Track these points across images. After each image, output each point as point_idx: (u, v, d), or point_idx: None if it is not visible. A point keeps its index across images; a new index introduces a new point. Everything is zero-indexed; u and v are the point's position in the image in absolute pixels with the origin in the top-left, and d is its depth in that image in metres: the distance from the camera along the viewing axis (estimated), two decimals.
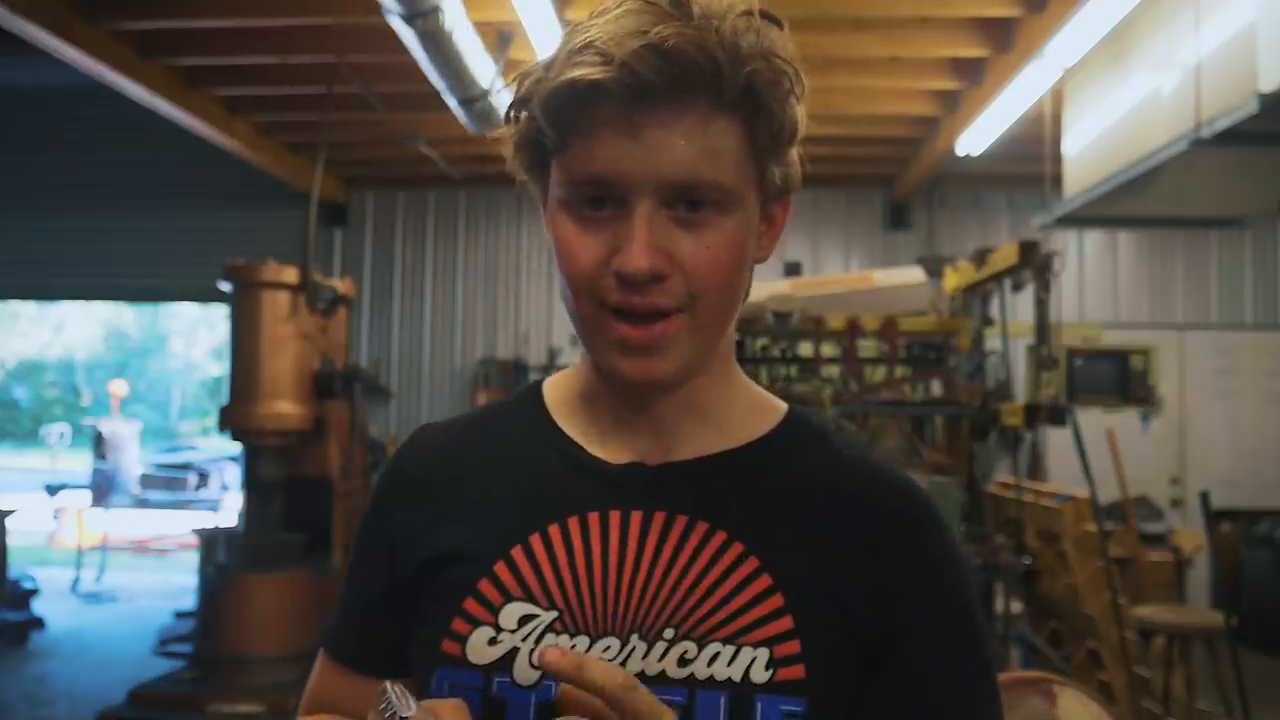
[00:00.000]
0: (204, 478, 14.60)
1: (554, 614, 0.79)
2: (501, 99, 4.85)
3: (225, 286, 4.94)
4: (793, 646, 0.77)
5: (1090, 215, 5.57)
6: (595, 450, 0.86)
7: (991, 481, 4.53)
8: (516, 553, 0.81)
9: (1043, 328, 3.93)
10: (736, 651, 0.76)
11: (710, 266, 0.76)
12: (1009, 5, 4.79)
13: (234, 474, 13.30)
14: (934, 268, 5.39)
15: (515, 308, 8.16)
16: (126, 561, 10.26)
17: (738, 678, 0.76)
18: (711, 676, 0.76)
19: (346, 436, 5.20)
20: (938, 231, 7.93)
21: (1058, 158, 5.66)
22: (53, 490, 10.56)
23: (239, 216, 8.01)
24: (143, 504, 13.23)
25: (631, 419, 0.85)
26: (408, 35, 4.21)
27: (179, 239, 8.10)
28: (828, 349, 4.57)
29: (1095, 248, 7.89)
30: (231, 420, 4.81)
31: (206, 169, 7.66)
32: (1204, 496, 4.11)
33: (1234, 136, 3.75)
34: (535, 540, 0.82)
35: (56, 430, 14.54)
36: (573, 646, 0.78)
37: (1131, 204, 5.24)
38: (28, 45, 4.78)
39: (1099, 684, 3.65)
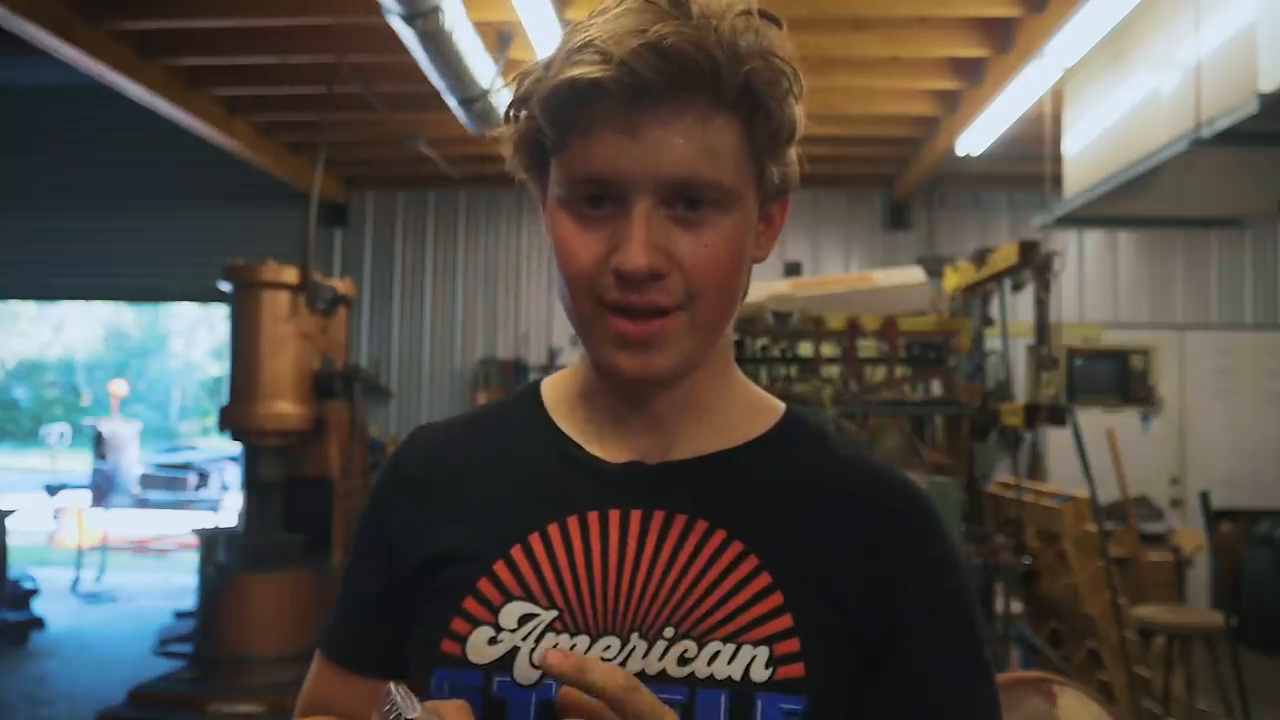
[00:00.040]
0: (204, 478, 14.61)
1: (554, 613, 0.79)
2: (501, 99, 4.85)
3: (225, 286, 4.93)
4: (792, 645, 0.77)
5: (1090, 215, 5.57)
6: (594, 449, 0.86)
7: (991, 481, 4.53)
8: (516, 552, 0.81)
9: (1043, 328, 3.93)
10: (736, 650, 0.76)
11: (709, 265, 0.76)
12: (1009, 5, 4.79)
13: (234, 474, 13.30)
14: (934, 268, 5.39)
15: (515, 308, 8.16)
16: (126, 561, 10.26)
17: (738, 676, 0.76)
18: (712, 675, 0.76)
19: (346, 436, 5.19)
20: (938, 231, 7.94)
21: (1058, 158, 5.66)
22: (53, 490, 10.56)
23: (239, 216, 8.01)
24: (143, 504, 13.24)
25: (630, 417, 0.85)
26: (408, 35, 4.21)
27: (179, 239, 8.11)
28: (828, 349, 4.57)
29: (1095, 248, 7.89)
30: (231, 420, 4.81)
31: (206, 169, 7.66)
32: (1204, 496, 4.11)
33: (1234, 136, 3.75)
34: (535, 540, 0.82)
35: (56, 430, 14.54)
36: (573, 646, 0.78)
37: (1131, 204, 5.24)
38: (28, 45, 4.78)
39: (1099, 684, 3.65)
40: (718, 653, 0.76)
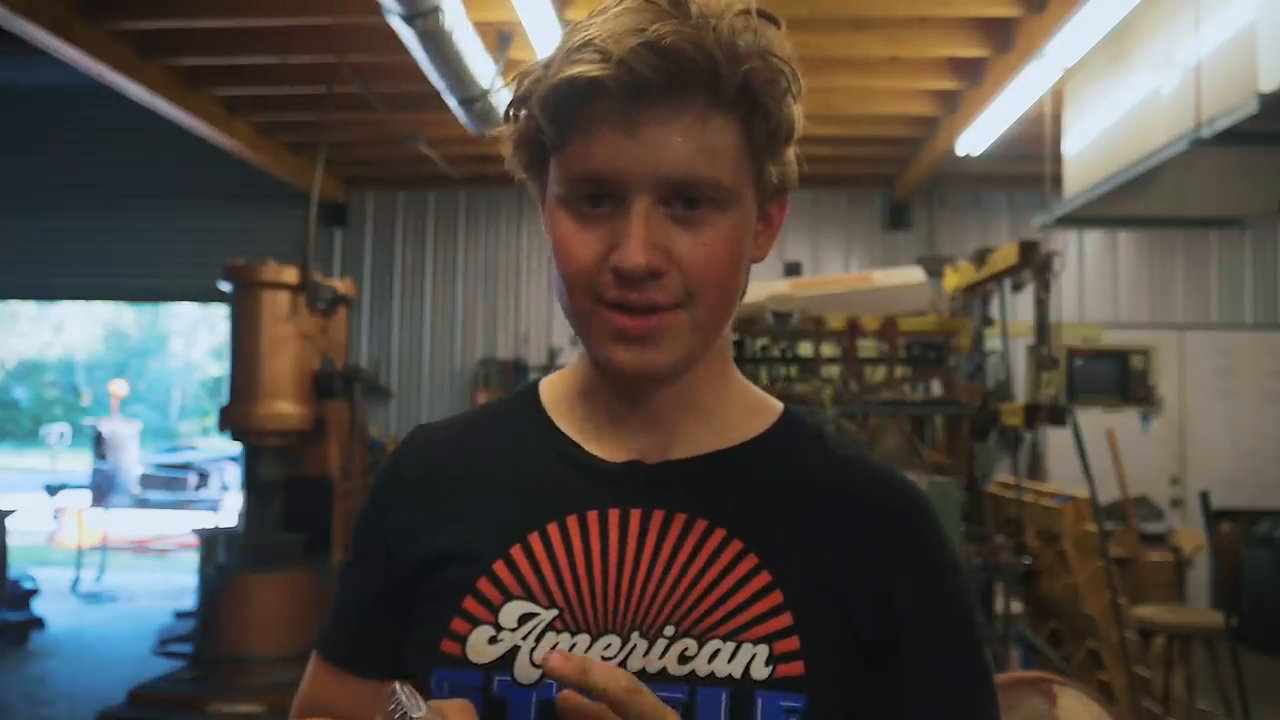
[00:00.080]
0: (204, 478, 14.61)
1: (554, 612, 0.79)
2: (501, 99, 4.85)
3: (225, 286, 4.94)
4: (792, 643, 0.77)
5: (1090, 215, 5.57)
6: (592, 448, 0.86)
7: (991, 481, 4.53)
8: (516, 552, 0.81)
9: (1043, 328, 3.93)
10: (736, 648, 0.77)
11: (708, 264, 0.77)
12: (1009, 5, 4.79)
13: (234, 474, 13.30)
14: (934, 268, 5.39)
15: (515, 308, 8.16)
16: (126, 561, 10.26)
17: (738, 674, 0.76)
18: (712, 673, 0.76)
19: (346, 436, 5.20)
20: (938, 231, 7.94)
21: (1058, 158, 5.66)
22: (53, 490, 10.56)
23: (239, 216, 8.01)
24: (143, 504, 13.23)
25: (628, 415, 0.85)
26: (408, 35, 4.21)
27: (179, 239, 8.11)
28: (828, 349, 4.57)
29: (1095, 248, 7.89)
30: (231, 420, 4.81)
31: (206, 169, 7.66)
32: (1204, 496, 4.11)
33: (1234, 136, 3.75)
34: (534, 539, 0.82)
35: (56, 430, 14.54)
36: (573, 645, 0.78)
37: (1131, 204, 5.24)
38: (28, 45, 4.78)
39: (1099, 684, 3.65)
40: (718, 651, 0.77)
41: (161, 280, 8.35)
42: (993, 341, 4.86)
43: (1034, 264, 3.90)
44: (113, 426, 12.81)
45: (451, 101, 4.99)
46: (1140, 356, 7.47)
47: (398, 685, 0.69)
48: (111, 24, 5.07)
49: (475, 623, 0.80)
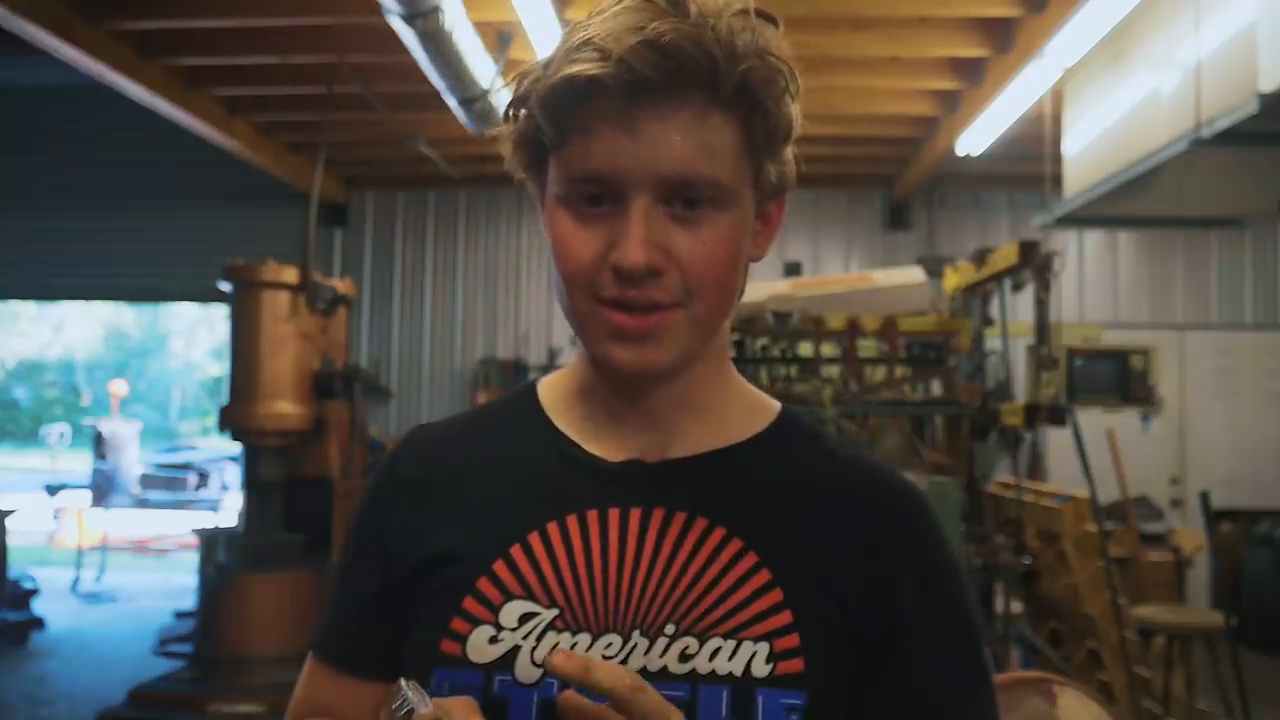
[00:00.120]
0: (204, 478, 14.61)
1: (554, 612, 0.79)
2: (501, 99, 4.85)
3: (225, 286, 4.94)
4: (792, 640, 0.77)
5: (1090, 215, 5.57)
6: (591, 448, 0.86)
7: (991, 481, 4.53)
8: (516, 551, 0.81)
9: (1043, 328, 3.93)
10: (737, 646, 0.77)
11: (707, 263, 0.77)
12: (1009, 5, 4.79)
13: (234, 474, 13.30)
14: (934, 268, 5.39)
15: (515, 308, 8.16)
16: (126, 561, 10.27)
17: (739, 672, 0.76)
18: (713, 671, 0.76)
19: (346, 436, 5.20)
20: (938, 231, 7.94)
21: (1058, 158, 5.66)
22: (53, 490, 10.57)
23: (239, 216, 8.01)
24: (143, 504, 13.24)
25: (627, 414, 0.85)
26: (408, 35, 4.21)
27: (179, 239, 8.11)
28: (828, 349, 4.57)
29: (1095, 248, 7.89)
30: (231, 420, 4.81)
31: (206, 169, 7.66)
32: (1204, 496, 4.11)
33: (1234, 136, 3.75)
34: (534, 539, 0.82)
35: (56, 430, 14.55)
36: (574, 644, 0.78)
37: (1131, 204, 5.24)
38: (28, 45, 4.78)
39: (1099, 684, 3.65)
40: (718, 649, 0.77)
41: (161, 280, 8.36)
42: (993, 341, 4.86)
43: (1034, 264, 3.90)
44: (113, 426, 12.82)
45: (451, 101, 4.99)
46: (1140, 356, 7.47)
47: (403, 681, 0.69)
48: (111, 24, 5.07)
49: (475, 622, 0.80)
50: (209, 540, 5.80)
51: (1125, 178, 4.65)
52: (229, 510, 11.40)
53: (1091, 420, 6.00)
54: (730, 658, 0.76)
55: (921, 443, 4.40)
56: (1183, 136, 4.02)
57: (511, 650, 0.78)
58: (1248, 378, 7.47)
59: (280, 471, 4.89)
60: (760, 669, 0.76)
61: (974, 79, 5.63)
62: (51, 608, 7.41)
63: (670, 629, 0.78)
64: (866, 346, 4.62)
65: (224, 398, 4.95)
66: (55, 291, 9.34)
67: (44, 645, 6.74)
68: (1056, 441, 5.71)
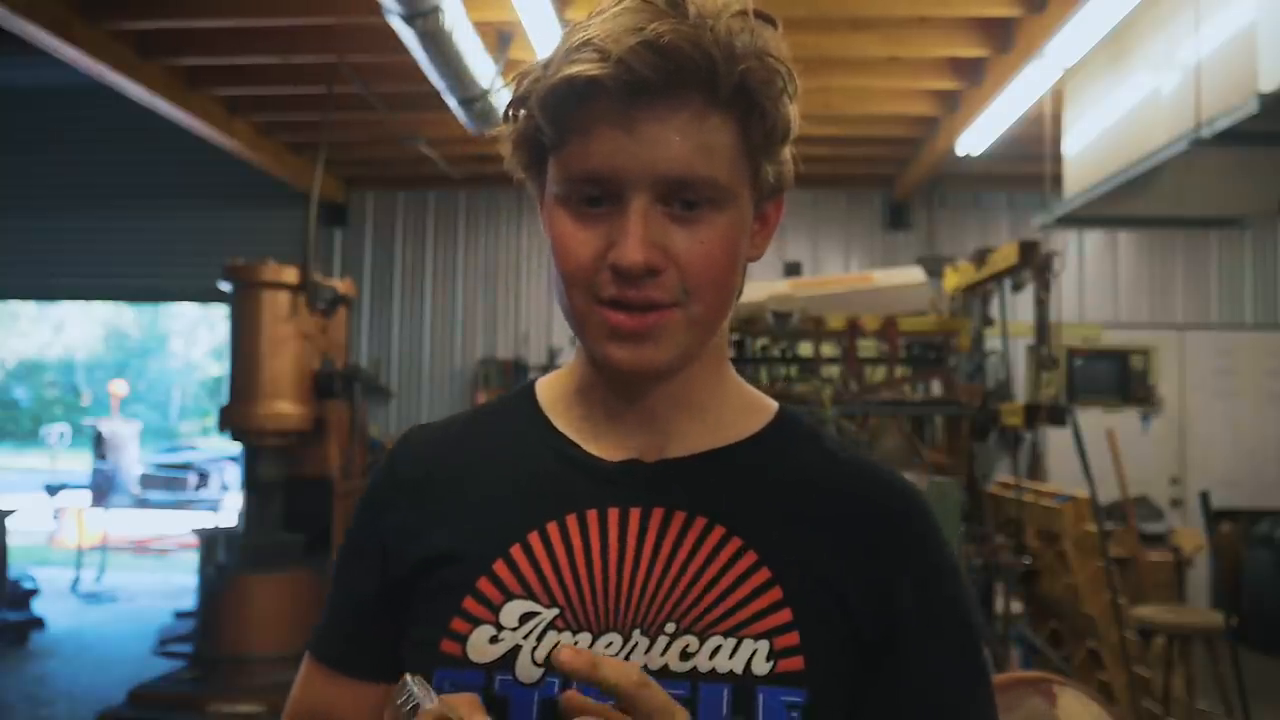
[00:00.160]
0: (204, 478, 14.60)
1: (555, 611, 0.79)
2: (501, 99, 4.85)
3: (225, 286, 4.94)
4: (792, 638, 0.78)
5: (1090, 215, 5.57)
6: (590, 447, 0.86)
7: (991, 481, 4.53)
8: (515, 551, 0.82)
9: (1043, 328, 3.93)
10: (737, 644, 0.77)
11: (705, 262, 0.77)
12: (1009, 5, 4.79)
13: (234, 474, 13.30)
14: (934, 268, 5.40)
15: (515, 308, 8.16)
16: (126, 561, 10.27)
17: (739, 670, 0.77)
18: (713, 669, 0.77)
19: (346, 436, 5.20)
20: (938, 231, 7.94)
21: (1058, 158, 5.66)
22: (53, 490, 10.57)
23: (239, 216, 8.01)
24: (143, 504, 13.23)
25: (625, 413, 0.85)
26: (408, 35, 4.21)
27: (179, 239, 8.11)
28: (828, 349, 4.57)
29: (1095, 248, 7.90)
30: (231, 420, 4.81)
31: (206, 169, 7.66)
32: (1204, 496, 4.11)
33: (1234, 136, 3.75)
34: (534, 538, 0.82)
35: (56, 430, 14.54)
36: (574, 644, 0.78)
37: (1131, 204, 5.24)
38: (28, 45, 4.78)
39: (1099, 684, 3.65)
40: (719, 647, 0.77)
41: (161, 280, 8.36)
42: (993, 341, 4.86)
43: (1034, 264, 3.90)
44: (113, 426, 12.81)
45: (451, 101, 4.99)
46: (1140, 356, 7.47)
47: (408, 677, 0.70)
48: (111, 24, 5.07)
49: (476, 622, 0.80)
50: (209, 540, 5.80)
51: (1125, 178, 4.65)
52: (229, 510, 11.40)
53: (1091, 420, 6.00)
54: (731, 656, 0.77)
55: (921, 443, 4.40)
56: (1183, 136, 4.02)
57: (512, 650, 0.79)
58: (1248, 378, 7.47)
59: (280, 471, 4.89)
60: (761, 667, 0.77)
61: (974, 79, 5.63)
62: (51, 608, 7.41)
63: (670, 627, 0.78)
64: (866, 346, 4.62)
65: (224, 398, 4.95)
66: (55, 291, 9.34)
67: (44, 645, 6.74)
68: (1056, 441, 5.72)
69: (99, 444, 12.41)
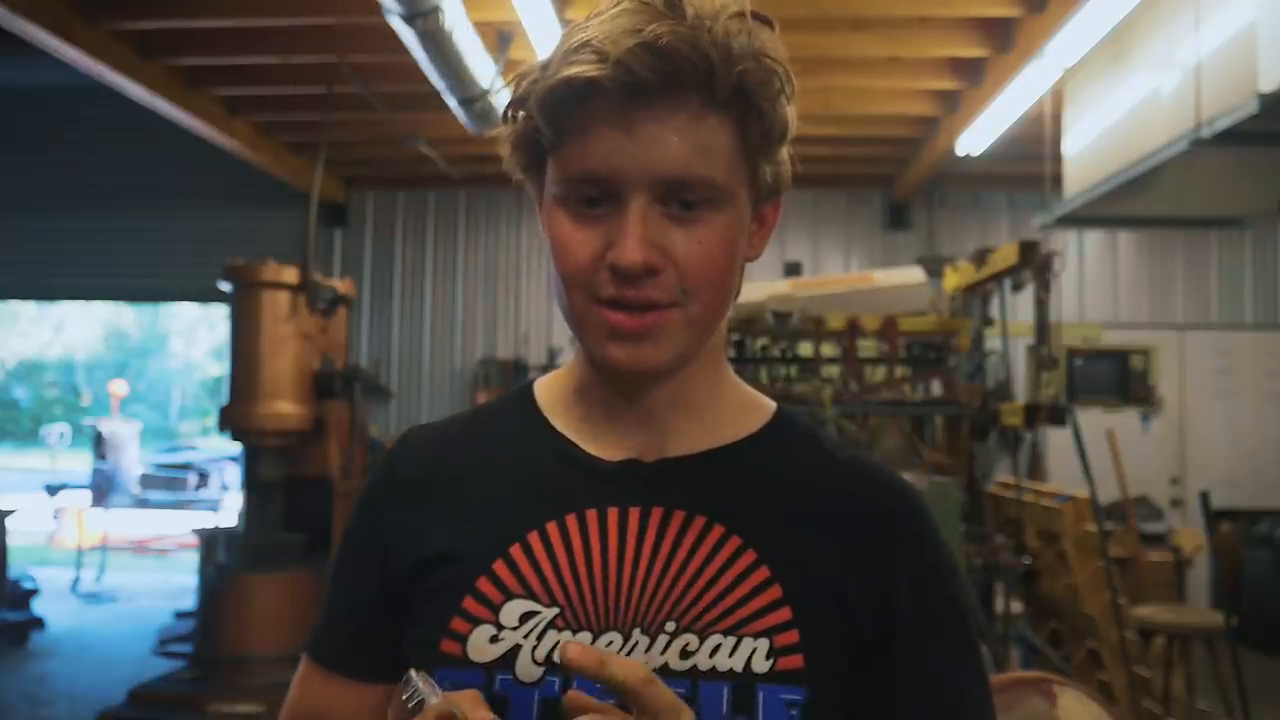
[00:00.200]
0: (204, 478, 14.60)
1: (555, 610, 0.79)
2: (501, 99, 4.85)
3: (225, 286, 4.94)
4: (792, 636, 0.78)
5: (1090, 215, 5.57)
6: (589, 447, 0.86)
7: (991, 481, 4.53)
8: (515, 551, 0.82)
9: (1043, 328, 3.93)
10: (737, 642, 0.77)
11: (703, 262, 0.77)
12: (1009, 5, 4.79)
13: (234, 474, 13.30)
14: (934, 268, 5.39)
15: (515, 308, 8.16)
16: (126, 561, 10.27)
17: (739, 668, 0.77)
18: (714, 668, 0.77)
19: (346, 436, 5.19)
20: (938, 231, 7.94)
21: (1058, 158, 5.66)
22: (53, 490, 10.57)
23: (239, 216, 8.01)
24: (143, 504, 13.23)
25: (624, 413, 0.86)
26: (408, 35, 4.21)
27: (179, 239, 8.11)
28: (828, 349, 4.57)
29: (1095, 248, 7.89)
30: (231, 420, 4.81)
31: (206, 169, 7.66)
32: (1204, 496, 4.11)
33: (1234, 136, 3.75)
34: (534, 538, 0.82)
35: (56, 430, 14.55)
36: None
37: (1131, 204, 5.24)
38: (28, 45, 4.78)
39: (1099, 684, 3.65)
40: (719, 645, 0.77)
41: (161, 280, 8.36)
42: (993, 341, 4.86)
43: (1034, 264, 3.90)
44: (113, 426, 12.81)
45: (451, 101, 4.99)
46: (1140, 356, 7.47)
47: (413, 672, 0.70)
48: (111, 24, 5.07)
49: (476, 622, 0.80)
50: (209, 540, 5.81)
51: (1125, 178, 4.65)
52: (229, 510, 11.40)
53: (1091, 420, 6.00)
54: (730, 654, 0.77)
55: (921, 443, 4.40)
56: (1183, 136, 4.02)
57: (512, 649, 0.79)
58: (1248, 378, 7.47)
59: (280, 471, 4.89)
60: (760, 665, 0.77)
61: (974, 79, 5.63)
62: (51, 608, 7.41)
63: (670, 626, 0.78)
64: (866, 346, 4.62)
65: (224, 398, 4.95)
66: (55, 291, 9.34)
67: (44, 645, 6.74)
68: (1056, 441, 5.71)
69: (99, 444, 12.41)
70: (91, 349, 28.16)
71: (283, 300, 4.87)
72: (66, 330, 28.00)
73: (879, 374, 4.57)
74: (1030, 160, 6.14)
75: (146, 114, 6.02)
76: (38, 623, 6.98)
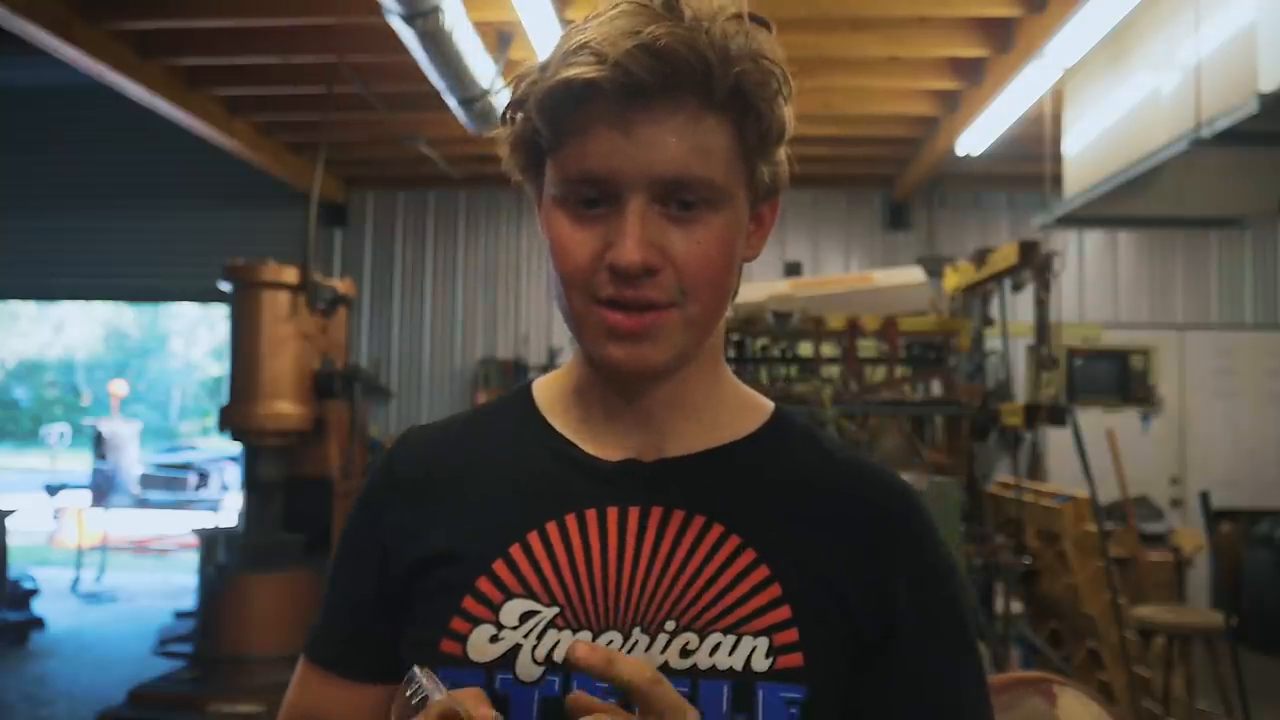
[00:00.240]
0: (204, 478, 14.60)
1: (555, 610, 0.79)
2: (501, 99, 4.85)
3: (225, 286, 4.94)
4: (791, 635, 0.78)
5: (1090, 215, 5.57)
6: (588, 448, 0.86)
7: (991, 481, 4.53)
8: (515, 551, 0.82)
9: (1043, 328, 3.93)
10: (737, 641, 0.78)
11: (701, 262, 0.77)
12: (1009, 5, 4.79)
13: (234, 474, 13.30)
14: (934, 268, 5.40)
15: (515, 308, 8.16)
16: (126, 561, 10.27)
17: (739, 667, 0.77)
18: (714, 666, 0.77)
19: (346, 436, 5.20)
20: (938, 231, 7.94)
21: (1058, 158, 5.66)
22: (53, 490, 10.57)
23: (239, 216, 8.01)
24: (143, 504, 13.23)
25: (623, 413, 0.86)
26: (408, 35, 4.21)
27: (179, 239, 8.11)
28: (828, 349, 4.57)
29: (1095, 248, 7.89)
30: (231, 420, 4.81)
31: (206, 169, 7.66)
32: (1204, 496, 4.11)
33: (1234, 136, 3.75)
34: (534, 538, 0.82)
35: (56, 430, 14.54)
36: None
37: (1131, 204, 5.24)
38: (28, 45, 4.78)
39: (1099, 684, 3.65)
40: (719, 644, 0.78)
41: (161, 280, 8.36)
42: (993, 341, 4.86)
43: (1034, 264, 3.90)
44: (113, 426, 12.81)
45: (451, 101, 4.99)
46: (1140, 356, 7.47)
47: (417, 669, 0.70)
48: (111, 24, 5.07)
49: (476, 622, 0.80)
50: (209, 540, 5.80)
51: (1125, 178, 4.65)
52: (229, 510, 11.40)
53: (1091, 420, 6.00)
54: (730, 653, 0.77)
55: (921, 443, 4.40)
56: (1183, 136, 4.02)
57: (512, 649, 0.79)
58: (1248, 378, 7.47)
59: (280, 471, 4.89)
60: (760, 663, 0.77)
61: (974, 79, 5.63)
62: (51, 608, 7.41)
63: (670, 625, 0.78)
64: (866, 346, 4.62)
65: (224, 398, 4.95)
66: (55, 291, 9.34)
67: (44, 645, 6.74)
68: (1056, 441, 5.72)
69: (99, 444, 12.41)
70: (91, 349, 28.16)
71: (283, 300, 4.87)
72: (66, 330, 28.00)
73: (879, 374, 4.57)
74: (1030, 160, 6.14)
75: (146, 114, 6.02)
76: (38, 623, 6.99)
